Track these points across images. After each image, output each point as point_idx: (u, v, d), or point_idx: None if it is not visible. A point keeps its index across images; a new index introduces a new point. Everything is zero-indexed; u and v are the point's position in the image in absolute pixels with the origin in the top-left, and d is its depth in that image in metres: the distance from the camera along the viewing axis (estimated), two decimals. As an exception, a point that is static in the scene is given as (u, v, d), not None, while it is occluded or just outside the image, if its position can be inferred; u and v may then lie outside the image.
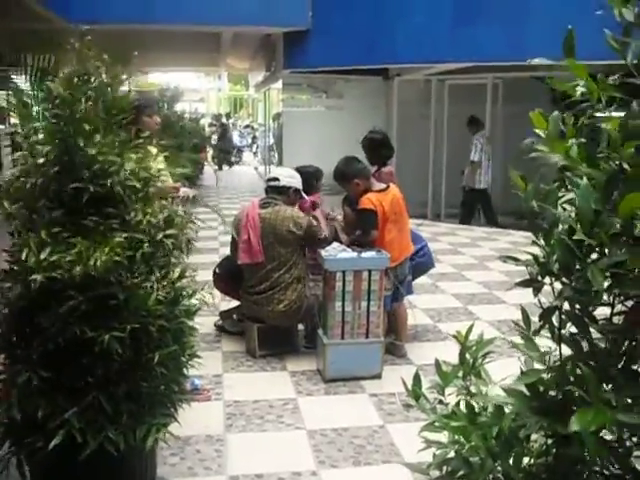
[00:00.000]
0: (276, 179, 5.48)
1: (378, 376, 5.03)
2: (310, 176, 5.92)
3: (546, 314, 1.46)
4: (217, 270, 6.11)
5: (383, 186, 5.44)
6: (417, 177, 13.24)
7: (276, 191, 5.44)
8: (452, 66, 12.14)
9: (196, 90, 36.46)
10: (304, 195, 5.62)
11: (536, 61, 1.61)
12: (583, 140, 1.43)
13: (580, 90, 1.50)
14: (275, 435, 4.22)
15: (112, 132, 3.03)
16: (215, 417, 4.42)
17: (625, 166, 1.35)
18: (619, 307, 1.52)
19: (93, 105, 3.00)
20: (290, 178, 5.49)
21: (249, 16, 12.52)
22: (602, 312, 1.58)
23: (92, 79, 3.08)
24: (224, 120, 26.87)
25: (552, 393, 1.51)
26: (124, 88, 3.28)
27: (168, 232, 2.96)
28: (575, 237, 1.30)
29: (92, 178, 2.85)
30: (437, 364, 1.84)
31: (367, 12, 12.23)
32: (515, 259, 1.53)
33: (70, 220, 2.86)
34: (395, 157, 7.02)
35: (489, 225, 12.23)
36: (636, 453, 1.65)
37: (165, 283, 2.92)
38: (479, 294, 7.61)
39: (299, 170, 5.94)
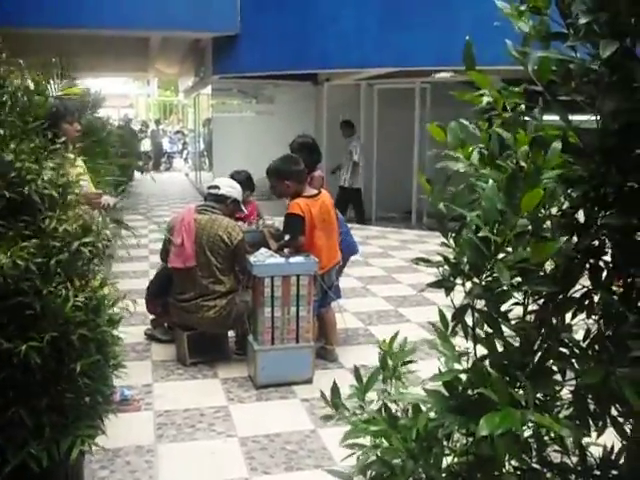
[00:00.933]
0: (216, 187, 5.47)
1: (309, 381, 5.04)
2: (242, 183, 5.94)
3: (458, 313, 1.48)
4: (147, 297, 6.04)
5: (314, 192, 5.43)
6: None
7: (214, 199, 5.42)
8: (381, 71, 12.27)
9: (125, 96, 35.94)
10: (242, 207, 5.63)
11: (442, 75, 1.66)
12: (482, 145, 1.47)
13: (486, 99, 1.55)
14: (207, 444, 4.18)
15: (28, 139, 2.95)
16: (145, 427, 4.35)
17: (522, 164, 1.40)
18: (532, 307, 1.57)
19: (8, 111, 2.93)
20: (230, 188, 5.47)
21: (178, 21, 12.40)
22: (517, 312, 1.61)
23: (6, 84, 3.00)
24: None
25: (470, 392, 1.53)
26: (46, 93, 3.19)
27: (85, 240, 2.88)
28: (480, 234, 1.34)
29: (8, 185, 2.78)
30: (356, 370, 1.85)
31: (296, 18, 12.27)
32: (427, 261, 1.56)
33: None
34: (325, 161, 7.06)
35: (358, 222, 12.79)
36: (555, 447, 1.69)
37: (85, 291, 2.84)
38: (409, 296, 7.69)
39: (232, 176, 5.96)
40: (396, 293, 7.83)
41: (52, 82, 7.60)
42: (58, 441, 2.84)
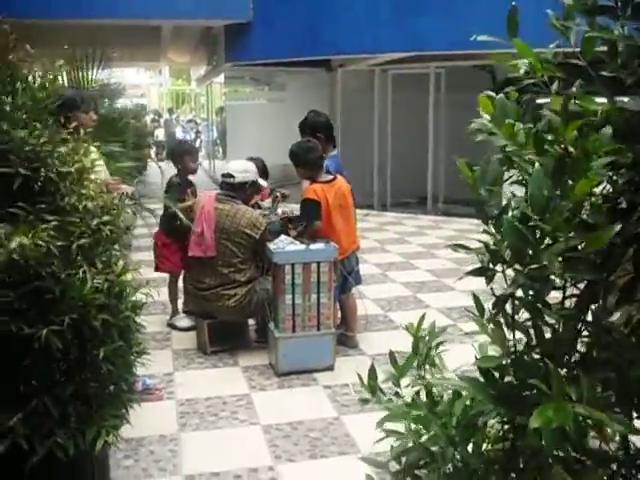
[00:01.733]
0: (231, 176, 5.36)
1: (331, 368, 5.04)
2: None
3: (499, 302, 1.44)
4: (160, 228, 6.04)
5: (330, 177, 5.40)
6: (363, 167, 13.28)
7: (231, 188, 5.36)
8: (395, 56, 12.17)
9: (137, 85, 35.90)
10: (261, 184, 5.54)
11: (482, 37, 1.59)
12: (531, 126, 1.42)
13: (524, 68, 1.50)
14: (230, 432, 4.18)
15: (41, 120, 2.96)
16: (168, 416, 4.36)
17: (570, 149, 1.35)
18: (571, 290, 1.52)
19: (21, 94, 2.95)
20: (245, 173, 5.36)
21: (189, 9, 12.33)
22: (554, 295, 1.57)
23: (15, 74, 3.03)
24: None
25: (507, 379, 1.50)
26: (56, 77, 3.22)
27: (104, 219, 2.87)
28: (530, 224, 1.29)
29: (23, 162, 2.77)
30: (391, 355, 1.81)
31: (308, 4, 12.18)
32: (465, 247, 1.51)
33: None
34: (340, 148, 7.01)
35: None
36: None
37: (104, 273, 2.83)
38: (428, 282, 7.67)
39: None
40: (414, 279, 7.81)
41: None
42: (84, 431, 2.84)
